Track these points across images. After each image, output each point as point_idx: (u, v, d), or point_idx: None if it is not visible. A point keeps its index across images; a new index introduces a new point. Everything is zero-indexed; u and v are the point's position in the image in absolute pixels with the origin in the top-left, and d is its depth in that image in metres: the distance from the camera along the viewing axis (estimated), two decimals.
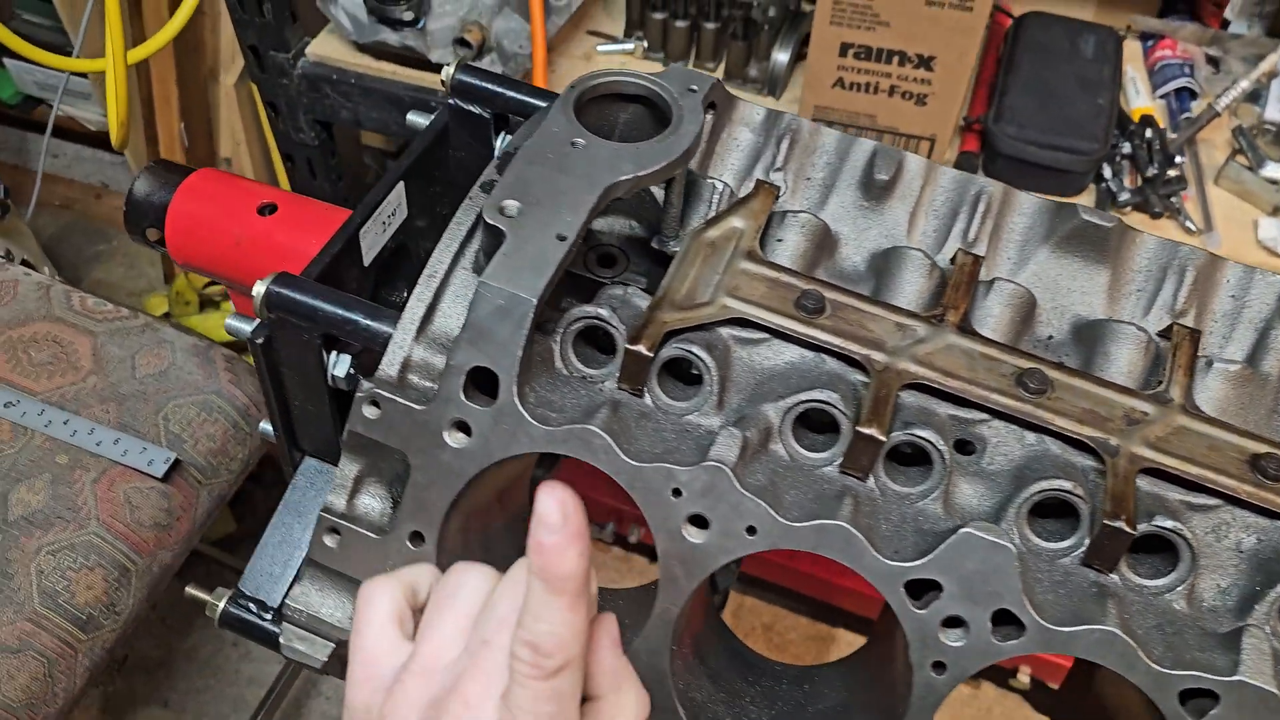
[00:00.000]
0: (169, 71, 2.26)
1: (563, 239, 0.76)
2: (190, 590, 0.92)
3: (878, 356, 0.81)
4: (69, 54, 2.04)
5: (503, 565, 0.85)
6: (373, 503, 0.80)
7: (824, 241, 0.91)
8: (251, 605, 0.90)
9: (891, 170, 0.91)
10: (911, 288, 0.88)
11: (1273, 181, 1.54)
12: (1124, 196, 1.53)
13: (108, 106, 1.78)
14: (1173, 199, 1.53)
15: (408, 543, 0.76)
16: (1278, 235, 1.51)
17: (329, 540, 0.78)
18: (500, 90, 0.99)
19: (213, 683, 2.15)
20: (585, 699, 0.56)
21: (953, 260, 0.90)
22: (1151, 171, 1.52)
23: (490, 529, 0.87)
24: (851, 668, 0.91)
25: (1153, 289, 0.90)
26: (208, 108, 2.48)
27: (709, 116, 0.92)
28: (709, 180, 0.91)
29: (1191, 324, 0.88)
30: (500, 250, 0.74)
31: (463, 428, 0.75)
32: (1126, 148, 1.59)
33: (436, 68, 1.70)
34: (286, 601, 0.81)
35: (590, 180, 0.79)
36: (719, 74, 1.75)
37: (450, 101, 1.00)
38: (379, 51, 1.73)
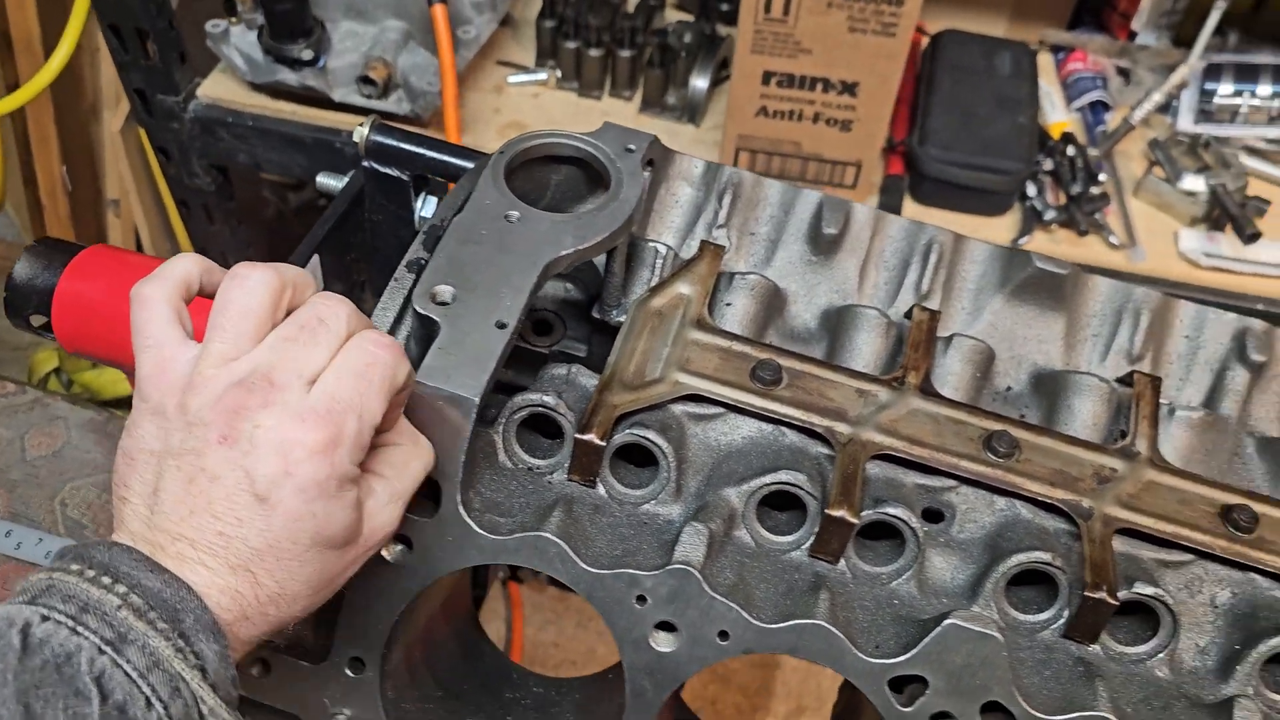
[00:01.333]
0: (46, 110, 2.11)
1: (503, 326, 0.70)
2: None
3: (841, 428, 0.77)
4: None
5: (449, 673, 0.79)
6: (300, 626, 0.72)
7: (773, 301, 0.87)
8: None
9: (840, 223, 0.87)
10: (868, 348, 0.84)
11: (1190, 193, 1.55)
12: (1049, 215, 1.53)
13: None
14: (1096, 215, 1.54)
15: (347, 670, 0.69)
16: (1197, 246, 1.53)
17: (256, 671, 0.71)
18: (420, 151, 0.92)
19: None
20: (386, 444, 0.63)
21: (907, 315, 0.86)
22: (1076, 189, 1.52)
23: (436, 638, 0.80)
24: None
25: (1108, 333, 0.88)
26: (91, 147, 2.33)
27: (647, 174, 0.87)
28: (650, 244, 0.85)
29: (1148, 368, 0.86)
30: (436, 344, 0.68)
31: (403, 541, 0.68)
32: (1048, 164, 1.59)
33: (339, 106, 1.61)
34: None
35: (529, 258, 0.73)
36: (636, 102, 1.70)
37: (365, 164, 0.93)
38: (277, 90, 1.63)
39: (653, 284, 0.84)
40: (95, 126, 2.29)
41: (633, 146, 0.82)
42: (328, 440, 0.56)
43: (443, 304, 0.70)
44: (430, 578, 0.68)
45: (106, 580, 0.54)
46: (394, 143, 0.92)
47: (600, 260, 0.88)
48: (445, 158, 0.92)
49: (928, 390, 0.80)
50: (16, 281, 0.92)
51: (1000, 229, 1.56)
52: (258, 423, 0.56)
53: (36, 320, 0.94)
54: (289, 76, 1.56)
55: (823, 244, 0.88)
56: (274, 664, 0.70)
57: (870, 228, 0.89)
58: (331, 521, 0.57)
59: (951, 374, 0.83)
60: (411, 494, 0.63)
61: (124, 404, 2.18)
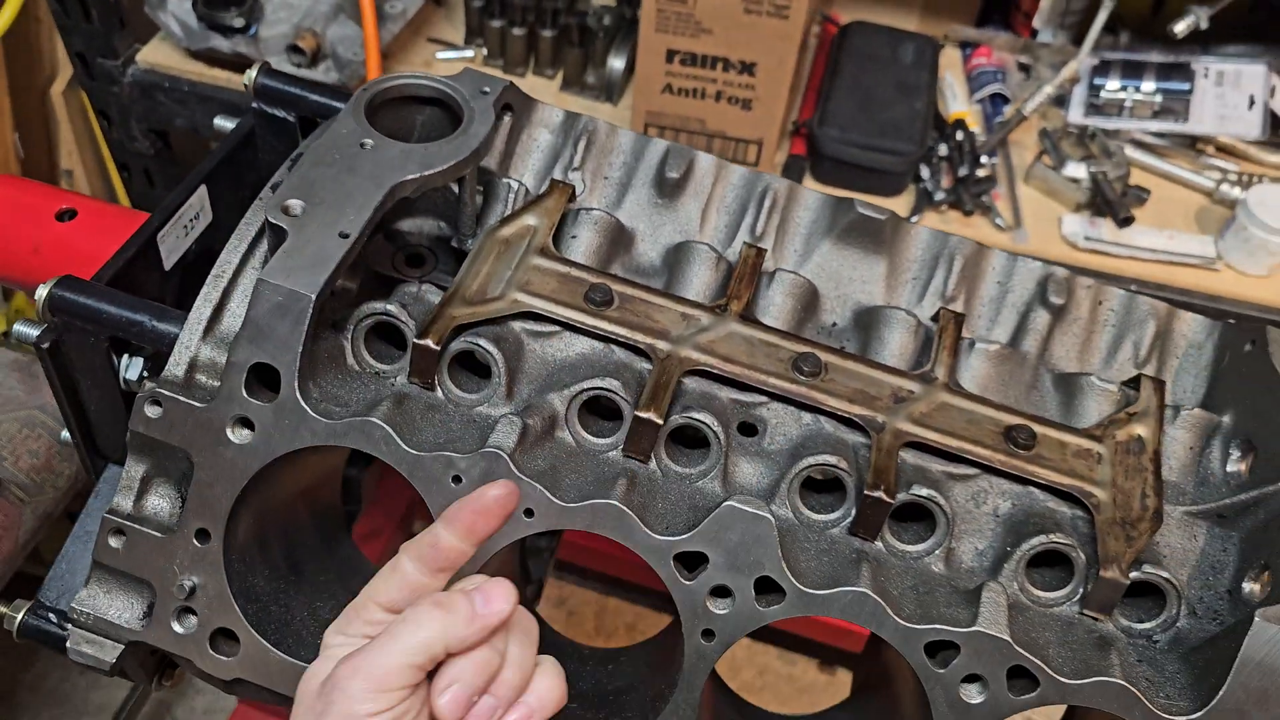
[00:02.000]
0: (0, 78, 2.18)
1: (345, 236, 0.77)
2: None
3: (661, 345, 0.85)
4: None
5: (307, 561, 0.86)
6: (161, 503, 0.80)
7: (619, 237, 0.95)
8: (51, 615, 0.89)
9: (682, 168, 0.95)
10: (700, 280, 0.92)
11: (1074, 180, 1.65)
12: (939, 195, 1.62)
13: None
14: (983, 197, 1.63)
15: (194, 540, 0.77)
16: (1079, 230, 1.62)
17: (114, 541, 0.78)
18: (303, 94, 1.00)
19: (60, 713, 2.07)
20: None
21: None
22: (963, 171, 1.61)
23: (295, 525, 0.87)
24: (650, 648, 0.94)
25: (926, 276, 0.96)
26: (47, 118, 2.40)
27: (507, 118, 0.95)
28: (505, 180, 0.93)
29: (960, 309, 0.95)
30: (281, 249, 0.76)
31: (245, 424, 0.75)
32: (943, 149, 1.67)
33: None
34: (73, 605, 0.80)
35: (376, 180, 0.81)
36: (558, 81, 1.78)
37: (254, 105, 1.01)
38: (212, 58, 1.71)
39: (504, 216, 0.92)
40: (51, 97, 2.36)
41: (487, 89, 0.90)
42: None
43: (293, 216, 0.78)
44: (269, 457, 0.75)
45: None
46: (280, 85, 1.00)
47: None
48: (327, 100, 1.00)
49: (747, 317, 0.88)
50: None
51: (894, 208, 1.64)
52: None
53: None
54: (221, 43, 1.64)
55: (668, 188, 0.96)
56: (128, 533, 0.78)
57: (713, 175, 0.97)
58: None
59: (774, 305, 0.92)
60: (369, 660, 0.62)
61: None
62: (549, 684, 0.67)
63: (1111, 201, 1.60)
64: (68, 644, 0.81)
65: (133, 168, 1.88)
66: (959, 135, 1.65)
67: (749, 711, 1.01)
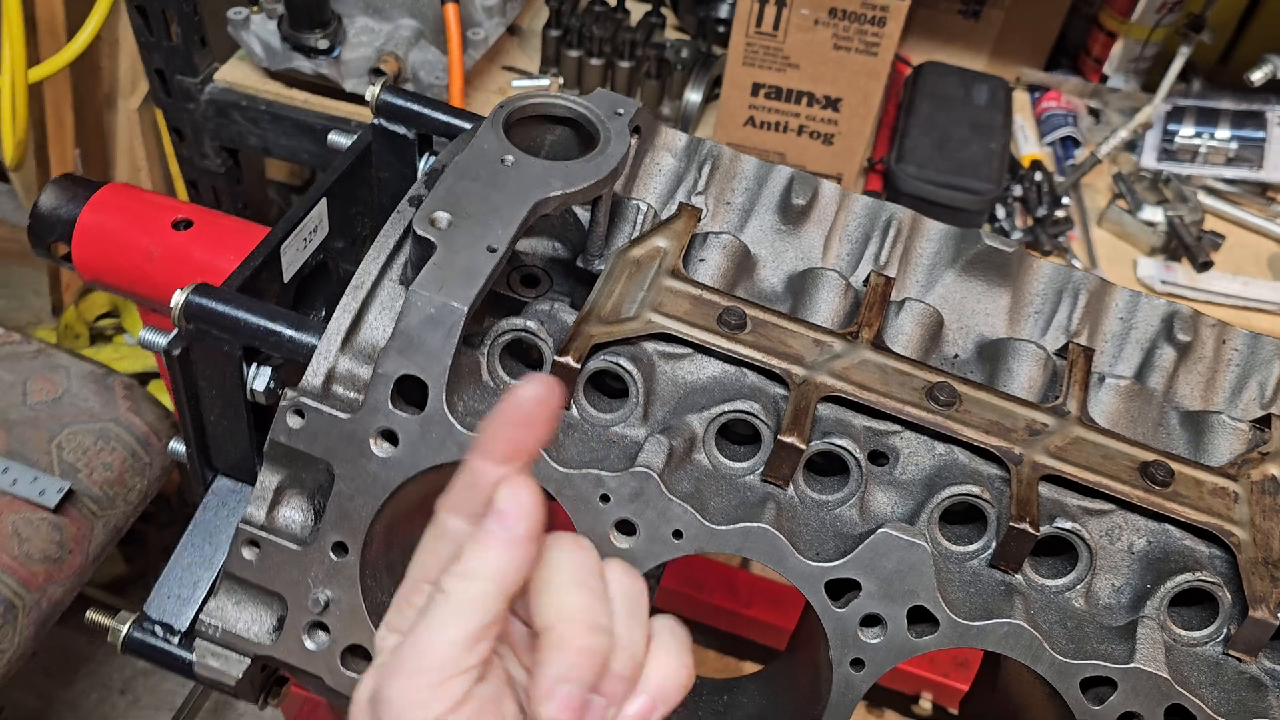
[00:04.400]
0: (64, 94, 2.20)
1: (493, 251, 0.77)
2: (91, 615, 0.88)
3: (797, 370, 0.84)
4: None
5: None
6: (294, 514, 0.79)
7: (744, 262, 0.94)
8: (158, 629, 0.87)
9: (808, 195, 0.95)
10: (827, 306, 0.91)
11: (1149, 224, 1.65)
12: (1016, 235, 1.62)
13: (2, 124, 1.73)
14: (1060, 238, 1.62)
15: (330, 554, 0.75)
16: (1155, 274, 1.61)
17: (247, 553, 0.77)
18: (425, 111, 1.00)
19: None
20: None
21: (866, 281, 0.93)
22: (1041, 212, 1.61)
23: (412, 540, 0.86)
24: (770, 676, 0.93)
25: (1049, 311, 0.95)
26: (104, 133, 2.41)
27: (634, 140, 0.95)
28: (633, 201, 0.93)
29: (1085, 343, 0.94)
30: (431, 261, 0.75)
31: (389, 437, 0.74)
32: (1018, 190, 1.68)
33: (350, 96, 1.70)
34: (201, 616, 0.78)
35: (520, 196, 0.81)
36: None
37: (375, 121, 1.01)
38: (291, 79, 1.72)
39: (633, 237, 0.92)
40: (109, 114, 2.38)
41: (621, 110, 0.90)
42: None
43: (440, 229, 0.77)
44: (413, 470, 0.74)
45: None
46: (402, 102, 1.00)
47: (586, 217, 0.95)
48: (449, 118, 1.00)
49: (879, 345, 0.87)
50: (41, 211, 0.99)
51: None
52: None
53: (59, 250, 1.01)
54: (304, 64, 1.65)
55: (792, 214, 0.95)
56: (262, 544, 0.76)
57: (836, 203, 0.97)
58: None
59: (903, 334, 0.91)
60: (414, 651, 0.54)
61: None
62: (669, 661, 0.54)
63: (1189, 246, 1.59)
64: (195, 657, 0.79)
65: (201, 185, 1.88)
66: (1037, 176, 1.65)
67: None
